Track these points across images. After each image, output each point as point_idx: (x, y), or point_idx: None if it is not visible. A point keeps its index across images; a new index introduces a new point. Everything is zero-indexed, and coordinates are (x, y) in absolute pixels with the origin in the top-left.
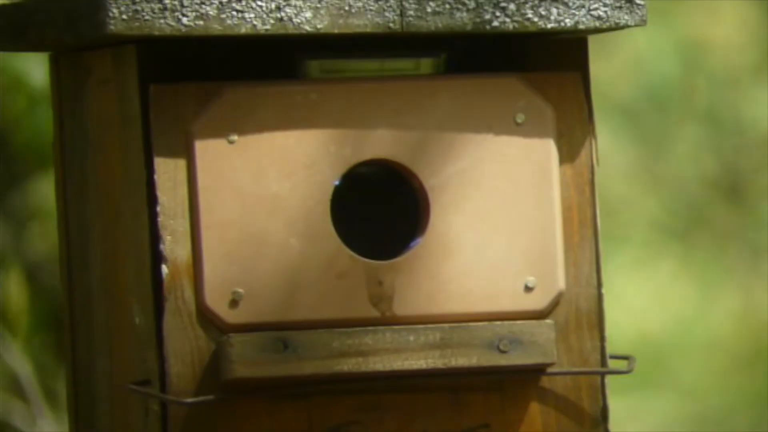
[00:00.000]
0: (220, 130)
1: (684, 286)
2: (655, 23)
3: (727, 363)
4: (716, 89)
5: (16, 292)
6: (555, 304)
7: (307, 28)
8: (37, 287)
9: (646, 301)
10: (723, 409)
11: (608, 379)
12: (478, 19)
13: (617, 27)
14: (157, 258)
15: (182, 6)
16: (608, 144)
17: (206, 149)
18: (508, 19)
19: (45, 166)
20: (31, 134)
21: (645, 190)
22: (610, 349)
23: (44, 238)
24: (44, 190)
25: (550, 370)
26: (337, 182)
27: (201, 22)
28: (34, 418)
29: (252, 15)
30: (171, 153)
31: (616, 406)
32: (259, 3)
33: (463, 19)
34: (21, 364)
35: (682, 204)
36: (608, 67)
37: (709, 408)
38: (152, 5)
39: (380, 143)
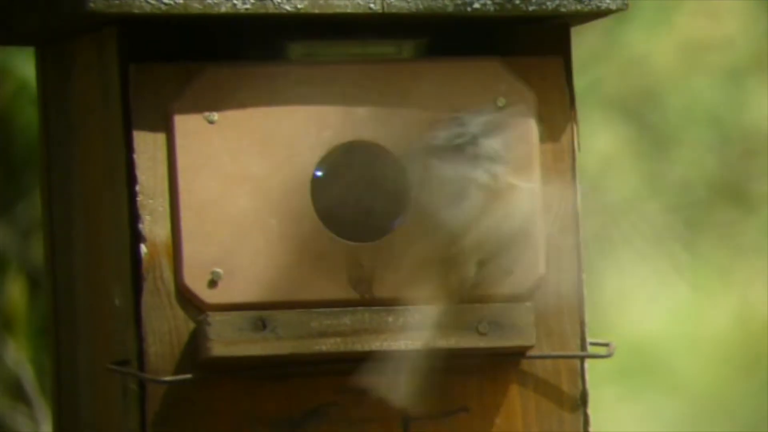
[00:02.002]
0: (201, 109)
1: (683, 286)
2: (657, 23)
3: (725, 363)
4: (718, 89)
5: (19, 297)
6: (535, 288)
7: (287, 7)
8: (38, 291)
9: (645, 301)
10: (721, 409)
11: (603, 375)
12: (459, 1)
13: (599, 11)
14: (136, 238)
15: None
16: (608, 144)
17: (186, 128)
18: (489, 2)
19: None
20: (32, 139)
21: (644, 190)
22: (610, 347)
23: None
24: None
25: (529, 353)
26: (319, 173)
27: (181, 1)
28: (36, 422)
29: None
30: (151, 132)
31: (613, 403)
32: None
33: (444, 0)
34: (23, 367)
35: (681, 204)
36: (609, 66)
37: (707, 407)
38: None
39: (361, 125)
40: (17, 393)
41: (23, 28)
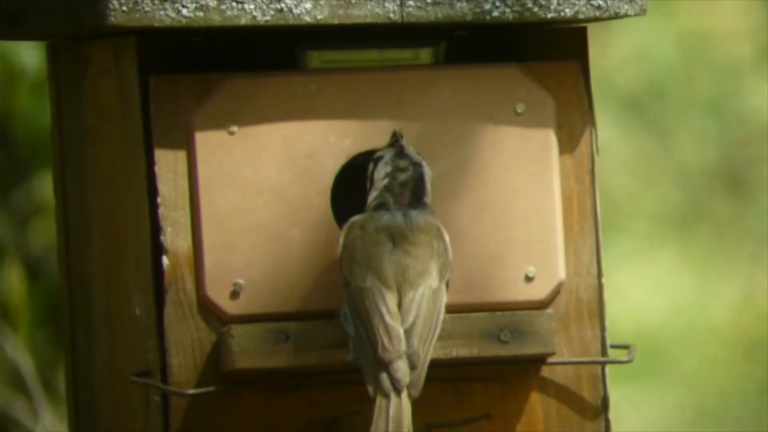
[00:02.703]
0: (221, 121)
1: (684, 276)
2: (657, 14)
3: (727, 353)
4: (717, 80)
5: (18, 286)
6: (555, 293)
7: (307, 19)
8: (38, 282)
9: (646, 291)
10: (723, 399)
11: (608, 368)
12: (477, 9)
13: (617, 16)
14: (158, 249)
15: None
16: (610, 135)
17: (206, 141)
18: (507, 9)
19: (47, 161)
20: (32, 127)
21: (646, 181)
22: (610, 340)
23: (46, 233)
24: (46, 186)
25: (550, 360)
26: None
27: (201, 14)
28: (35, 412)
29: (252, 6)
30: (171, 144)
31: (616, 396)
32: None
33: (462, 9)
34: (22, 358)
35: (683, 194)
36: (610, 57)
37: (709, 397)
38: None
39: (380, 134)
40: (16, 383)
41: (36, 27)
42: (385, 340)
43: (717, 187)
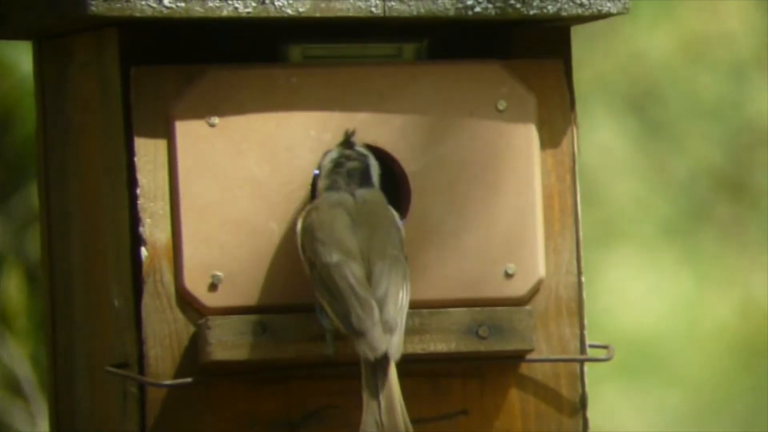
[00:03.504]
0: (201, 113)
1: (685, 278)
2: (659, 17)
3: (728, 355)
4: (720, 83)
5: (16, 292)
6: (535, 291)
7: (289, 11)
8: (36, 287)
9: (647, 293)
10: (722, 402)
11: (603, 370)
12: (460, 5)
13: (599, 14)
14: (137, 241)
15: None
16: (610, 138)
17: (187, 132)
18: (490, 5)
19: None
20: (30, 133)
21: (647, 185)
22: (614, 343)
23: None
24: None
25: (529, 357)
26: (316, 172)
27: (182, 4)
28: (33, 418)
29: None
30: (151, 135)
31: (616, 396)
32: None
33: (445, 4)
34: (19, 363)
35: (683, 198)
36: (611, 60)
37: (708, 400)
38: None
39: (361, 128)
40: (14, 389)
41: (21, 23)
42: (359, 310)
43: (719, 191)
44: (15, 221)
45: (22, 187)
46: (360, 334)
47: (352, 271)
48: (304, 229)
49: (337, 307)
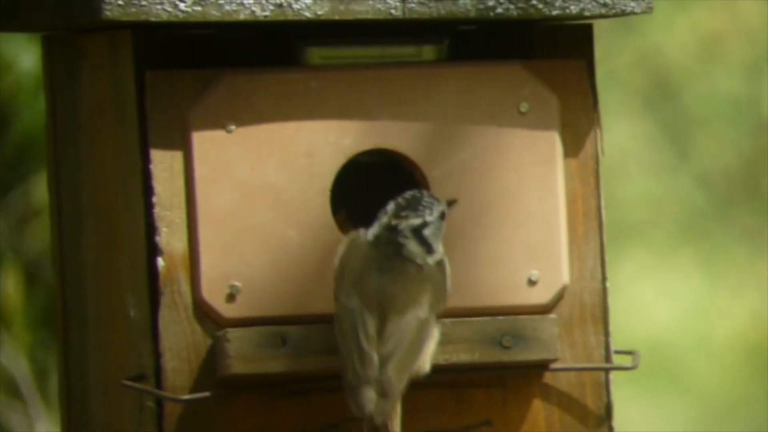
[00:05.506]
0: (218, 119)
1: (698, 284)
2: (675, 15)
3: (742, 361)
4: (736, 81)
5: (14, 290)
6: (559, 298)
7: (307, 14)
8: (34, 285)
9: (659, 297)
10: (735, 410)
11: (615, 375)
12: (481, 6)
13: (623, 14)
14: (153, 250)
15: None
16: (624, 137)
17: (203, 139)
18: (512, 6)
19: (44, 163)
20: (30, 129)
21: (662, 184)
22: (623, 346)
23: (43, 237)
24: (44, 189)
25: (553, 366)
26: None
27: (199, 8)
28: (30, 419)
29: (251, 1)
30: (167, 142)
31: (628, 403)
32: None
33: (466, 5)
34: (18, 363)
35: (698, 198)
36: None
37: (721, 408)
38: None
39: (381, 133)
40: (12, 389)
41: (30, 20)
42: (357, 365)
43: (735, 194)
44: (13, 218)
45: (20, 184)
46: (352, 388)
47: (364, 322)
48: (342, 258)
49: (341, 351)
